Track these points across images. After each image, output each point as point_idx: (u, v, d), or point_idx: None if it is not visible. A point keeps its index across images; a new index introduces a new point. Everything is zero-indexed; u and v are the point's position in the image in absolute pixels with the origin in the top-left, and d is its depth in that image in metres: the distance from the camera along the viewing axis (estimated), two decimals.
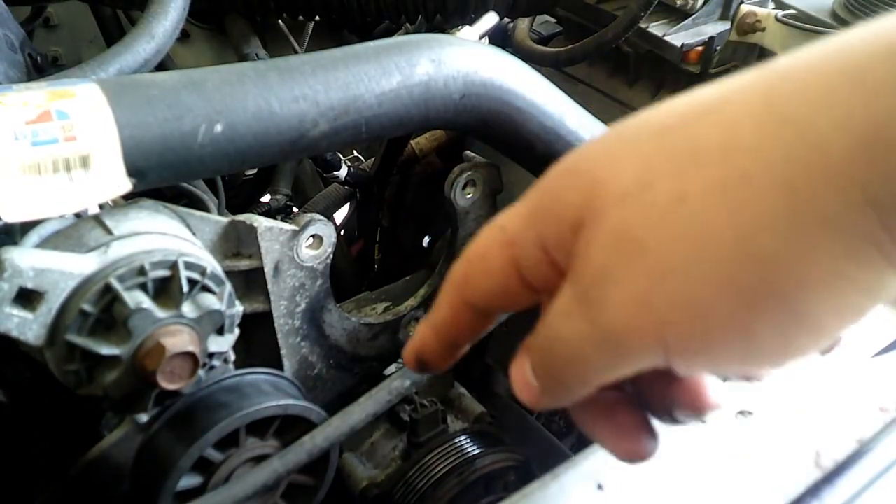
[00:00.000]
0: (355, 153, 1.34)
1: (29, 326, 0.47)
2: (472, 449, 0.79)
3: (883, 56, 0.26)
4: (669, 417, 0.35)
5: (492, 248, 0.36)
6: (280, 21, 1.26)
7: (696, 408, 0.34)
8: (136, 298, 0.49)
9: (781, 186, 0.26)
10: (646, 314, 0.29)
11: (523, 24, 1.19)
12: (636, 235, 0.29)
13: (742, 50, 0.97)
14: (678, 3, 1.05)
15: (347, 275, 1.18)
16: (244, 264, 0.62)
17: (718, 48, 1.01)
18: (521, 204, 0.35)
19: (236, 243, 0.62)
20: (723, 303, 0.28)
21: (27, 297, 0.47)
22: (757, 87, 0.29)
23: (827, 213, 0.26)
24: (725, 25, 1.03)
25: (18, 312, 0.47)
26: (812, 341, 0.29)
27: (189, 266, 0.51)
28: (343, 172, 1.11)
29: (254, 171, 1.24)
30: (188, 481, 0.51)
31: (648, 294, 0.29)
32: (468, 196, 0.79)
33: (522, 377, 0.36)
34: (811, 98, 0.27)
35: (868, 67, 0.26)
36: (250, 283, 0.64)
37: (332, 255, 0.68)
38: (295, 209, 1.15)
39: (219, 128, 0.52)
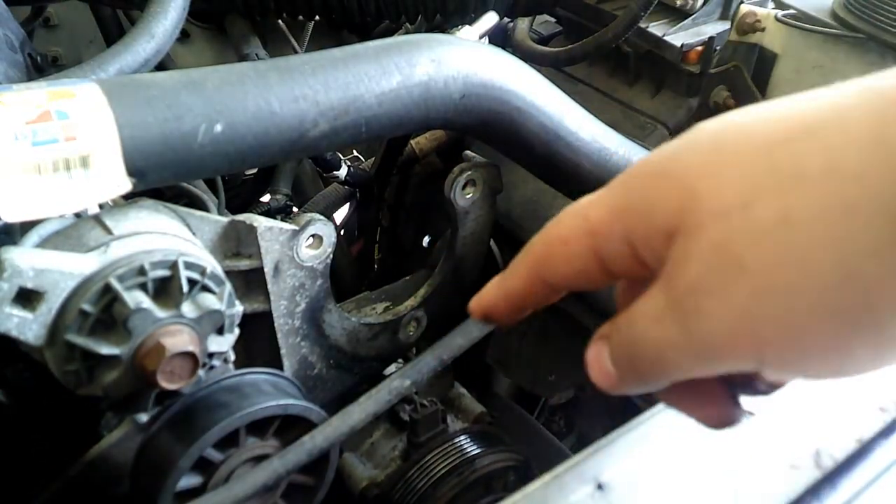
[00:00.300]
0: (355, 153, 1.34)
1: (29, 326, 0.47)
2: (472, 449, 0.79)
3: None
4: (751, 389, 0.36)
5: (575, 233, 0.37)
6: (280, 21, 1.26)
7: (777, 382, 0.35)
8: (136, 298, 0.49)
9: (886, 218, 0.27)
10: (745, 329, 0.30)
11: (523, 23, 1.19)
12: (737, 252, 0.30)
13: (742, 50, 0.97)
14: (678, 3, 1.05)
15: (347, 275, 1.18)
16: (244, 264, 0.62)
17: (718, 48, 1.01)
18: (605, 195, 0.36)
19: (236, 243, 0.62)
20: (824, 326, 0.29)
21: (27, 297, 0.47)
22: (864, 112, 0.29)
23: None
24: (725, 25, 1.03)
25: (18, 312, 0.47)
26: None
27: (189, 266, 0.51)
28: (343, 172, 1.11)
29: (254, 171, 1.24)
30: (188, 481, 0.51)
31: (748, 311, 0.30)
32: (468, 196, 0.79)
33: (600, 364, 0.37)
34: None
35: None
36: (250, 282, 0.64)
37: (331, 255, 0.68)
38: (295, 209, 1.15)
39: (219, 128, 0.52)
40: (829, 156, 0.29)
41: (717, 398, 0.37)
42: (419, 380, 0.55)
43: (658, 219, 0.33)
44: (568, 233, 0.37)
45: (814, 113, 0.30)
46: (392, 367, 0.87)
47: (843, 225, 0.28)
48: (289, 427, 0.55)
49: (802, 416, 0.45)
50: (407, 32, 1.14)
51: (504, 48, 0.73)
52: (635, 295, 0.36)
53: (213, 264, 0.53)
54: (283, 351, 0.69)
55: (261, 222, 0.62)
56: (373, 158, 1.23)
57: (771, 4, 0.98)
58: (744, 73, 0.96)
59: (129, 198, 0.54)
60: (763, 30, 0.95)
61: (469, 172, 0.78)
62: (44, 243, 0.51)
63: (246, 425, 0.52)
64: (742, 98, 0.97)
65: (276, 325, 0.67)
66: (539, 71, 0.71)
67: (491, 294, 0.42)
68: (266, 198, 1.14)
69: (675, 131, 1.05)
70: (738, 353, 0.31)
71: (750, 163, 0.31)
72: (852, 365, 0.31)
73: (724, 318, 0.31)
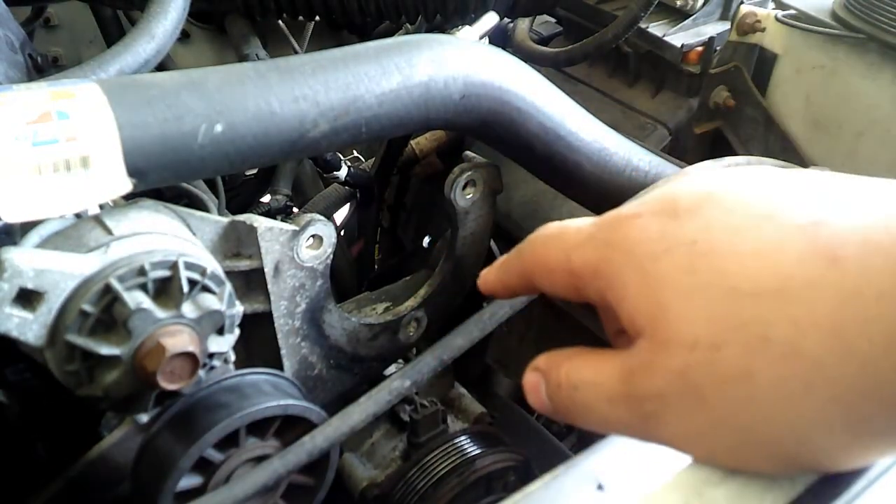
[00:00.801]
0: (355, 153, 1.34)
1: (29, 327, 0.47)
2: (473, 449, 0.79)
3: None
4: None
5: (557, 269, 0.40)
6: (280, 21, 1.26)
7: None
8: (137, 298, 0.49)
9: (840, 404, 0.31)
10: (701, 447, 0.35)
11: (523, 24, 1.19)
12: (700, 385, 0.33)
13: (742, 50, 0.97)
14: (678, 3, 1.05)
15: (347, 275, 1.18)
16: (244, 264, 0.62)
17: (718, 48, 1.01)
18: (591, 246, 0.39)
19: (236, 243, 0.62)
20: (772, 466, 0.35)
21: (27, 298, 0.47)
22: (828, 296, 0.31)
23: (877, 429, 0.32)
24: (725, 25, 1.03)
25: (19, 313, 0.47)
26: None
27: (189, 266, 0.51)
28: (343, 173, 1.11)
29: (254, 171, 1.24)
30: (188, 481, 0.51)
31: (705, 435, 0.34)
32: (468, 196, 0.79)
33: (538, 393, 0.40)
34: (874, 331, 0.30)
35: None
36: (250, 283, 0.64)
37: (332, 256, 0.68)
38: (295, 209, 1.15)
39: (219, 128, 0.52)
40: (794, 332, 0.31)
41: None
42: (419, 380, 0.55)
43: (630, 311, 0.36)
44: (553, 264, 0.40)
45: (789, 271, 0.32)
46: (392, 368, 0.87)
47: (800, 401, 0.31)
48: (289, 427, 0.55)
49: None
50: (407, 33, 1.14)
51: (504, 48, 0.73)
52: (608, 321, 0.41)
53: (213, 265, 0.53)
54: (283, 351, 0.69)
55: (261, 223, 0.62)
56: (373, 159, 1.23)
57: (771, 4, 0.98)
58: (744, 73, 0.96)
59: (130, 198, 0.54)
60: (763, 30, 0.95)
61: (469, 173, 0.78)
62: (44, 244, 0.51)
63: (246, 425, 0.52)
64: (742, 98, 0.97)
65: (276, 325, 0.67)
66: (539, 71, 0.71)
67: (490, 277, 0.47)
68: (266, 198, 1.14)
69: (675, 131, 1.05)
70: (688, 453, 0.36)
71: (720, 305, 0.33)
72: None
73: (680, 433, 0.35)
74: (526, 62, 0.69)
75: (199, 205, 0.75)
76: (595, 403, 0.37)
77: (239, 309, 0.55)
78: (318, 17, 1.08)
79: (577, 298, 0.40)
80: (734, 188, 0.36)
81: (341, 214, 1.34)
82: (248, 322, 0.61)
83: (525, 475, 0.81)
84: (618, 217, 0.39)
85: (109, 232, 0.51)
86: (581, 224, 0.40)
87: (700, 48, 1.02)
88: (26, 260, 0.46)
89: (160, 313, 0.49)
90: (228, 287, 0.54)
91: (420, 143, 1.19)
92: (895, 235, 0.31)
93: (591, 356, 0.38)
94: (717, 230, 0.35)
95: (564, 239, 0.40)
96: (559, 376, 0.39)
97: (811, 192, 0.34)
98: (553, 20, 1.27)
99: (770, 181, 0.36)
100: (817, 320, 0.31)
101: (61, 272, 0.47)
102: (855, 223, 0.32)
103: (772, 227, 0.33)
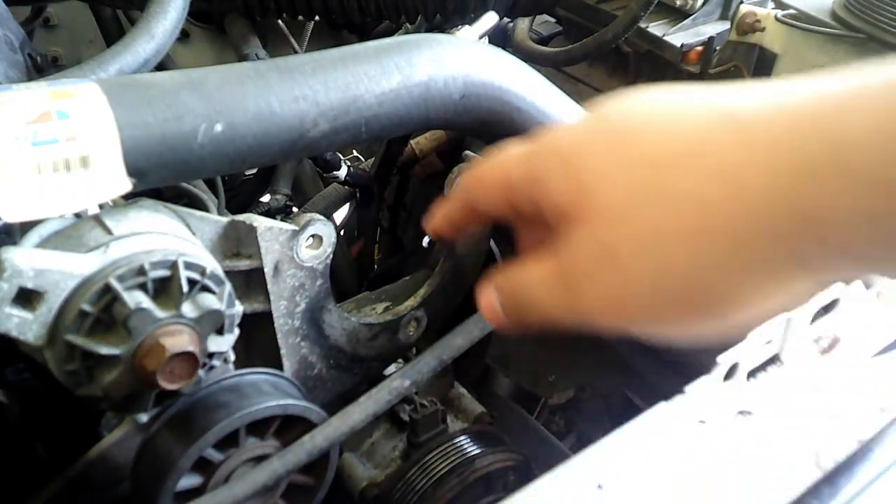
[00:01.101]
0: (355, 153, 1.35)
1: (29, 326, 0.47)
2: (472, 449, 0.79)
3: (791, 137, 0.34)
4: None
5: (495, 183, 0.47)
6: (280, 21, 1.26)
7: None
8: (136, 298, 0.49)
9: (731, 240, 0.36)
10: (615, 309, 0.40)
11: (523, 23, 1.19)
12: (618, 253, 0.38)
13: (742, 50, 0.97)
14: (678, 3, 1.05)
15: (347, 275, 1.18)
16: (244, 264, 0.62)
17: (718, 48, 1.01)
18: (525, 160, 0.45)
19: (236, 243, 0.62)
20: (679, 316, 0.39)
21: (27, 297, 0.47)
22: (729, 150, 0.36)
23: (766, 265, 0.36)
24: (725, 25, 1.03)
25: (18, 312, 0.47)
26: (737, 330, 0.40)
27: (189, 266, 0.51)
28: (343, 172, 1.11)
29: (253, 171, 1.24)
30: (188, 481, 0.51)
31: (619, 296, 0.39)
32: None
33: (490, 305, 0.46)
34: (763, 174, 0.35)
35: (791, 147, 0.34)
36: (250, 282, 0.64)
37: (331, 255, 0.68)
38: (295, 209, 1.15)
39: (219, 128, 0.52)
40: (699, 186, 0.36)
41: None
42: (419, 380, 0.55)
43: (556, 199, 0.41)
44: (490, 181, 0.47)
45: (697, 136, 0.37)
46: (392, 368, 0.87)
47: (700, 246, 0.36)
48: (289, 427, 0.55)
49: (802, 417, 0.45)
50: (407, 32, 1.14)
51: (504, 48, 0.73)
52: (533, 237, 0.48)
53: (212, 264, 0.53)
54: (282, 351, 0.69)
55: (261, 222, 0.62)
56: (373, 158, 1.23)
57: (771, 4, 0.98)
58: (743, 72, 0.96)
59: (129, 198, 0.54)
60: (763, 30, 0.95)
61: None
62: (44, 243, 0.51)
63: (246, 425, 0.52)
64: None
65: (276, 325, 0.67)
66: (539, 71, 0.70)
67: (436, 217, 0.55)
68: (266, 198, 1.14)
69: None
70: (607, 323, 0.40)
71: (636, 177, 0.38)
72: (707, 338, 0.40)
73: (599, 298, 0.39)
74: (526, 62, 0.69)
75: (198, 204, 0.75)
76: (535, 292, 0.42)
77: (238, 308, 0.55)
78: (317, 17, 1.09)
79: (509, 213, 0.46)
80: (650, 95, 0.42)
81: (341, 214, 1.34)
82: (247, 322, 0.61)
83: (525, 475, 0.81)
84: (551, 133, 0.45)
85: (109, 232, 0.51)
86: (516, 147, 0.46)
87: (700, 48, 1.02)
88: (26, 259, 0.46)
89: (160, 313, 0.49)
90: (228, 287, 0.54)
91: (420, 142, 1.19)
92: (792, 103, 0.35)
93: (533, 257, 0.43)
94: (634, 120, 0.40)
95: (503, 160, 0.47)
96: (511, 279, 0.45)
97: (712, 89, 0.40)
98: (553, 20, 1.27)
99: (676, 89, 0.41)
100: (721, 171, 0.36)
101: (61, 272, 0.47)
102: (753, 97, 0.37)
103: (681, 108, 0.39)
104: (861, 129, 0.33)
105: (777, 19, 0.92)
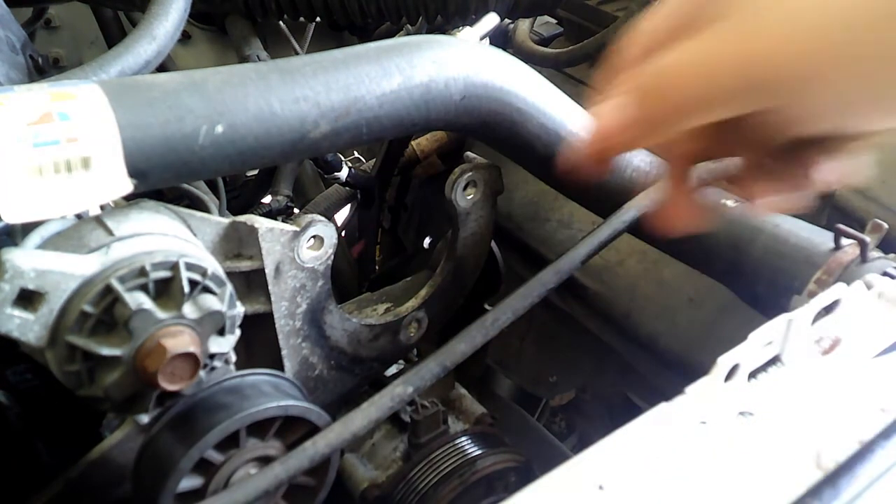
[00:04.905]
0: (356, 154, 1.35)
1: (30, 327, 0.47)
2: (473, 450, 0.79)
3: None
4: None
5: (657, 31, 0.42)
6: (281, 22, 1.26)
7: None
8: (137, 299, 0.49)
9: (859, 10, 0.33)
10: (746, 44, 0.36)
11: (524, 25, 1.20)
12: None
13: None
14: None
15: (348, 276, 1.18)
16: (245, 265, 0.62)
17: None
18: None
19: (237, 244, 0.62)
20: (857, 59, 0.34)
21: (28, 298, 0.47)
22: None
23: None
24: None
25: (20, 313, 0.47)
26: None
27: (190, 267, 0.51)
28: (344, 173, 1.11)
29: (255, 172, 1.24)
30: (189, 482, 0.51)
31: (751, 33, 0.35)
32: (469, 197, 0.79)
33: (611, 108, 0.41)
34: None
35: None
36: (251, 283, 0.64)
37: (332, 256, 0.68)
38: (296, 210, 1.15)
39: (220, 129, 0.52)
40: None
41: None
42: (422, 386, 0.55)
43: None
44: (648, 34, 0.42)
45: None
46: (393, 369, 0.87)
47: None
48: (290, 428, 0.55)
49: (803, 417, 0.45)
50: (408, 34, 1.14)
51: (505, 49, 0.73)
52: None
53: (214, 265, 0.53)
54: (284, 352, 0.69)
55: (262, 223, 0.62)
56: (374, 160, 1.23)
57: None
58: None
59: (131, 199, 0.54)
60: None
61: (470, 173, 0.78)
62: (45, 244, 0.51)
63: (247, 426, 0.52)
64: None
65: (277, 326, 0.67)
66: (540, 72, 0.71)
67: (602, 134, 0.44)
68: (267, 199, 1.14)
69: None
70: (780, 72, 0.35)
71: None
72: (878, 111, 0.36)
73: (776, 24, 0.35)
74: (526, 63, 0.70)
75: (199, 205, 0.75)
76: (694, 56, 0.37)
77: (240, 310, 0.55)
78: (319, 18, 1.09)
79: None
80: None
81: (342, 215, 1.34)
82: (248, 323, 0.61)
83: (526, 476, 0.81)
84: None
85: (110, 233, 0.51)
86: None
87: None
88: (27, 261, 0.46)
89: (161, 314, 0.49)
90: (229, 288, 0.54)
91: (421, 143, 1.19)
92: None
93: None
94: None
95: (647, 23, 0.42)
96: (657, 64, 0.39)
97: None
98: (554, 21, 1.27)
99: None
100: None
101: (62, 273, 0.47)
102: None
103: None
104: None
105: None
